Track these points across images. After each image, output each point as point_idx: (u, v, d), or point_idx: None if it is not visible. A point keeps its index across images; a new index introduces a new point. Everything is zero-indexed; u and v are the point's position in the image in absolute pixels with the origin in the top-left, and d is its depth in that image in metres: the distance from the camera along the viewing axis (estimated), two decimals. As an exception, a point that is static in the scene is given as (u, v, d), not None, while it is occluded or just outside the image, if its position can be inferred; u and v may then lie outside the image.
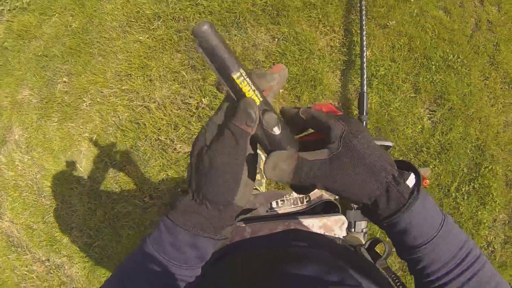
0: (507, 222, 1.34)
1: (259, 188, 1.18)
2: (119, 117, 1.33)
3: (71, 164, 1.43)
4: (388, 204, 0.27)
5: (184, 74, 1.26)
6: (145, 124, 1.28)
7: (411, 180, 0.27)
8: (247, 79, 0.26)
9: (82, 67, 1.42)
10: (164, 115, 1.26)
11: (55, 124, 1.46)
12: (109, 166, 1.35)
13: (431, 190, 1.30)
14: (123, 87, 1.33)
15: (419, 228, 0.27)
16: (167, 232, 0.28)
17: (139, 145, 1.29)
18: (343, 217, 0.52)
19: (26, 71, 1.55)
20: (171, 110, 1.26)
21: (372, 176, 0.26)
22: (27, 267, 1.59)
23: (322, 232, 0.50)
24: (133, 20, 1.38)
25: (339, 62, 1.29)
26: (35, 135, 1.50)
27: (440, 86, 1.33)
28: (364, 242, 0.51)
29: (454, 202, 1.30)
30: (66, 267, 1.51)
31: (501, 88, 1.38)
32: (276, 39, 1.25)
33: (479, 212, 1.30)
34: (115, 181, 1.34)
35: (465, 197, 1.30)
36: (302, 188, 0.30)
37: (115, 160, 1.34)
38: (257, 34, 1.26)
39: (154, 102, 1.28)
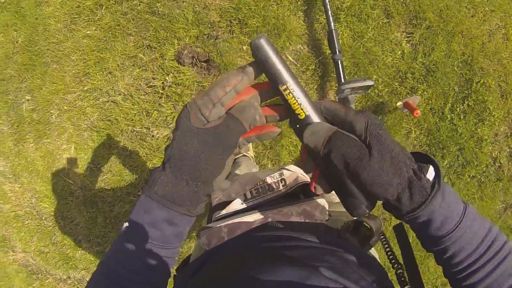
0: (509, 134, 1.29)
1: (247, 154, 1.14)
2: (89, 119, 1.28)
3: (60, 180, 1.40)
4: (411, 200, 0.27)
5: (142, 56, 1.19)
6: (117, 119, 1.23)
7: (431, 173, 0.27)
8: (294, 92, 0.28)
9: (40, 80, 1.36)
10: (133, 104, 1.21)
11: (32, 144, 1.42)
12: (95, 171, 1.31)
13: (424, 116, 1.24)
14: (85, 88, 1.27)
15: (442, 218, 0.27)
16: (144, 211, 0.29)
17: (118, 141, 1.25)
18: (323, 200, 0.49)
19: (-11, 101, 1.49)
20: (138, 97, 1.20)
21: (395, 171, 0.26)
22: (53, 290, 1.62)
23: (303, 220, 0.46)
24: (76, 16, 1.30)
25: (299, 2, 1.19)
26: (17, 161, 1.47)
27: (413, 5, 1.23)
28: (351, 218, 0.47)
29: (451, 124, 1.25)
30: (87, 279, 1.53)
31: (478, -8, 1.28)
32: (227, -6, 1.16)
33: (479, 129, 1.25)
34: (106, 184, 1.31)
35: (462, 117, 1.24)
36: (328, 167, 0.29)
37: (99, 163, 1.30)
38: (206, -5, 1.17)
39: (120, 94, 1.22)
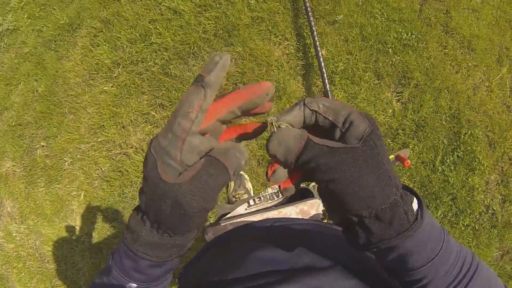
0: (500, 181, 1.36)
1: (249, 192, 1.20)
2: (101, 169, 1.35)
3: (66, 225, 1.44)
4: (390, 223, 0.23)
5: (154, 113, 1.29)
6: (127, 171, 1.30)
7: (415, 204, 0.25)
8: None
9: (56, 128, 1.45)
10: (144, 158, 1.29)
11: (43, 189, 1.47)
12: (103, 219, 1.36)
13: (416, 170, 1.32)
14: (99, 139, 1.35)
15: (420, 252, 0.25)
16: (128, 257, 0.27)
17: (127, 192, 1.31)
18: (318, 200, 0.54)
19: (4, 143, 1.57)
20: (149, 152, 1.29)
21: (383, 187, 0.23)
22: (48, 334, 1.59)
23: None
24: (94, 73, 1.42)
25: (298, 67, 1.32)
26: (26, 203, 1.52)
27: (401, 66, 1.36)
28: None
29: (442, 175, 1.32)
30: (84, 325, 1.51)
31: (461, 53, 1.42)
32: (233, 60, 1.28)
33: (470, 179, 1.32)
34: (112, 232, 1.35)
35: (452, 168, 1.32)
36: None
37: (107, 211, 1.35)
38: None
39: (132, 147, 1.30)
